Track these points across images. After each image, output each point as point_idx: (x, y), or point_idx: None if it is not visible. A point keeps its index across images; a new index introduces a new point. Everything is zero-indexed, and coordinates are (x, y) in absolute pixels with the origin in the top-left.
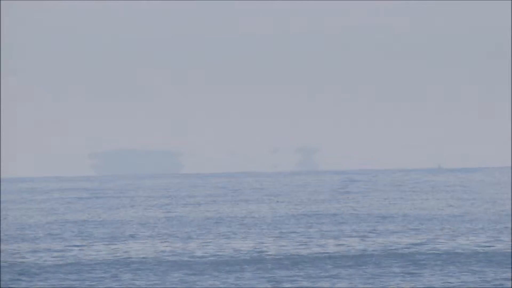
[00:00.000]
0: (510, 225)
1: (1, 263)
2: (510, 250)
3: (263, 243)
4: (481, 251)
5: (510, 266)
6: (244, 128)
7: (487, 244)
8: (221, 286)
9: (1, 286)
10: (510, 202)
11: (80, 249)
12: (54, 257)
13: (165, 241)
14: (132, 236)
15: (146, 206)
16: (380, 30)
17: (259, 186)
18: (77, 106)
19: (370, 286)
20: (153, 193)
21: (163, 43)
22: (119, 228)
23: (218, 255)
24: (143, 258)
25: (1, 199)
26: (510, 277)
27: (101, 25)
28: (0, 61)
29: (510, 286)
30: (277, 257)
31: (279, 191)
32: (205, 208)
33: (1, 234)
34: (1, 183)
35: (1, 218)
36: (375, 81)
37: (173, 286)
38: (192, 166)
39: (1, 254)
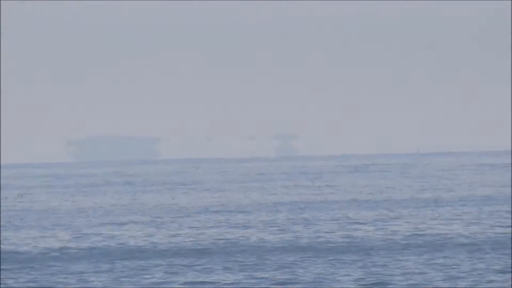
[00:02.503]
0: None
1: None
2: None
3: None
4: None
5: (510, 251)
6: (222, 115)
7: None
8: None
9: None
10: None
11: (43, 238)
12: (29, 244)
13: (135, 229)
14: (100, 224)
15: (117, 194)
16: (362, 16)
17: (242, 172)
18: (55, 92)
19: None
20: (127, 180)
21: (143, 29)
22: (82, 217)
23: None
24: (117, 245)
25: None
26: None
27: (78, 12)
28: None
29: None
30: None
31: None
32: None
33: None
34: None
35: None
36: (354, 67)
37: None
38: (170, 152)
39: None
